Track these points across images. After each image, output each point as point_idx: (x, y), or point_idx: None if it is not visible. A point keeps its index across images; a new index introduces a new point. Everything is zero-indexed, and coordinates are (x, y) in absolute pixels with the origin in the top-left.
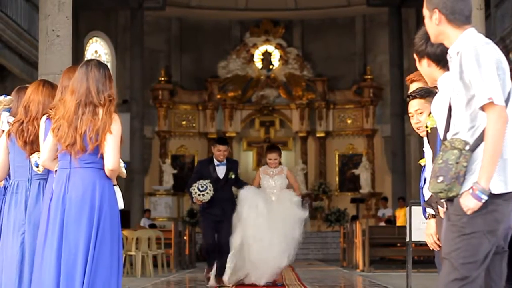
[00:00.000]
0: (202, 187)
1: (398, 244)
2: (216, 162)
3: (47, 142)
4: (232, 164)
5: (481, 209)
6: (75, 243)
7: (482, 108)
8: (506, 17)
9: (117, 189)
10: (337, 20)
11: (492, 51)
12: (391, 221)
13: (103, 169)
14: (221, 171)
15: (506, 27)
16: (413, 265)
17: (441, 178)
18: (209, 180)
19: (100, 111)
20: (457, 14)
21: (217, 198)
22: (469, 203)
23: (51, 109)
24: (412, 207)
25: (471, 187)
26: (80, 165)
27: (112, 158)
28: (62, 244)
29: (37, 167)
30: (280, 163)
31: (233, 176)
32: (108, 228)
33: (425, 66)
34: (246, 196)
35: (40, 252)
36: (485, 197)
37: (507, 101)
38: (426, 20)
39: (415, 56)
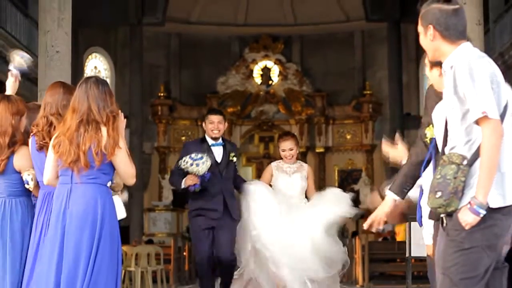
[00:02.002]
0: (195, 155)
1: (398, 260)
2: (210, 142)
3: (48, 161)
4: (231, 146)
5: (479, 224)
6: (75, 259)
7: (477, 122)
8: (505, 33)
9: (117, 199)
10: (336, 36)
11: (486, 65)
12: (387, 238)
13: (105, 185)
14: (218, 153)
15: (505, 43)
16: (413, 280)
17: (439, 194)
18: (205, 154)
19: (103, 128)
20: (451, 29)
21: (216, 189)
22: (467, 218)
23: (33, 126)
24: (412, 223)
25: (469, 202)
26: (81, 181)
27: (128, 175)
28: (62, 259)
29: (28, 184)
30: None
31: (234, 159)
32: (107, 245)
33: (435, 75)
34: (258, 190)
35: (29, 267)
36: (483, 212)
37: (503, 115)
38: (421, 37)
39: (426, 61)
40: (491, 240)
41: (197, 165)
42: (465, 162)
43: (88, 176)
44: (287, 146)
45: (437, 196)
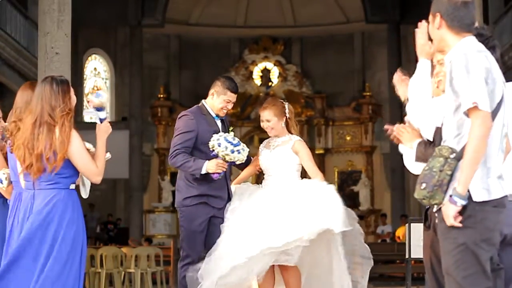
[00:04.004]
0: (232, 138)
1: (398, 261)
2: (212, 113)
3: (17, 165)
4: (226, 119)
5: (469, 219)
6: (29, 264)
7: (468, 113)
8: (504, 34)
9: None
10: (336, 37)
11: (483, 60)
12: (385, 240)
13: (67, 188)
14: (221, 127)
15: (505, 44)
16: (413, 282)
17: (424, 185)
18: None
19: (57, 129)
20: (457, 21)
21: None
22: (447, 210)
23: (6, 131)
24: (412, 224)
25: (450, 194)
26: (42, 187)
27: (91, 176)
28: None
29: (1, 183)
30: (290, 133)
31: (232, 134)
32: (64, 252)
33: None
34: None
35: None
36: (461, 201)
37: (496, 111)
38: (430, 26)
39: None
40: (485, 234)
41: (238, 152)
42: (452, 156)
43: (48, 182)
44: (264, 117)
45: (421, 187)
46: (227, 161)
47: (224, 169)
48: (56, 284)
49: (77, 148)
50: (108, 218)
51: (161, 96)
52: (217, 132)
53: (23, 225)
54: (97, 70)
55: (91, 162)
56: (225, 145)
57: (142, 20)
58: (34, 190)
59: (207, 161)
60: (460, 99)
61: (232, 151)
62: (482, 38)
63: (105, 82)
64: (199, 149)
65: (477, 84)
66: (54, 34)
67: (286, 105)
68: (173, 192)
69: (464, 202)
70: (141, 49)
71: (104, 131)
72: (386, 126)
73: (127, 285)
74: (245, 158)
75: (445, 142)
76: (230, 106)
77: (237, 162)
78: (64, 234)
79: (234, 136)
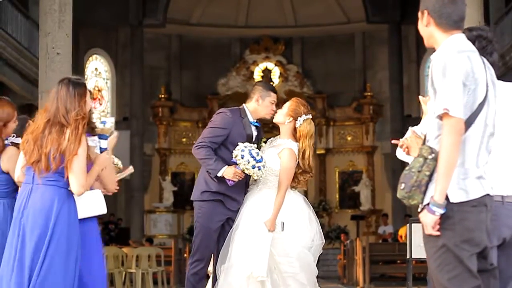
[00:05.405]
0: (256, 154)
1: (399, 261)
2: (251, 119)
3: (20, 158)
4: (261, 131)
5: (447, 220)
6: (24, 259)
7: (441, 119)
8: (505, 34)
9: (99, 193)
10: (337, 37)
11: (463, 61)
12: (387, 240)
13: (65, 188)
14: (254, 133)
15: (506, 44)
16: (414, 282)
17: (403, 185)
18: (256, 145)
19: (67, 131)
20: (444, 18)
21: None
22: (425, 219)
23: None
24: (413, 224)
25: (427, 203)
26: (41, 182)
27: (76, 184)
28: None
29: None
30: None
31: (263, 145)
32: (61, 249)
33: None
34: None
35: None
36: (439, 210)
37: (478, 111)
38: (419, 23)
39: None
40: (465, 234)
41: (258, 168)
42: (431, 156)
43: (48, 178)
44: (284, 104)
45: (401, 188)
46: (245, 173)
47: (240, 179)
48: (53, 282)
49: (80, 154)
50: (109, 218)
51: (162, 96)
52: (250, 136)
53: (20, 219)
54: (98, 70)
55: (84, 173)
56: (248, 159)
57: (143, 20)
58: (32, 185)
59: (226, 166)
60: (435, 103)
61: (253, 167)
62: (481, 40)
63: (106, 82)
64: (227, 147)
65: (451, 89)
66: (55, 34)
67: (306, 116)
68: (174, 192)
69: (442, 211)
70: (142, 49)
71: (101, 162)
72: (394, 141)
73: (128, 285)
74: (263, 176)
75: (428, 142)
76: (274, 107)
77: (255, 177)
78: (61, 232)
79: (263, 146)
